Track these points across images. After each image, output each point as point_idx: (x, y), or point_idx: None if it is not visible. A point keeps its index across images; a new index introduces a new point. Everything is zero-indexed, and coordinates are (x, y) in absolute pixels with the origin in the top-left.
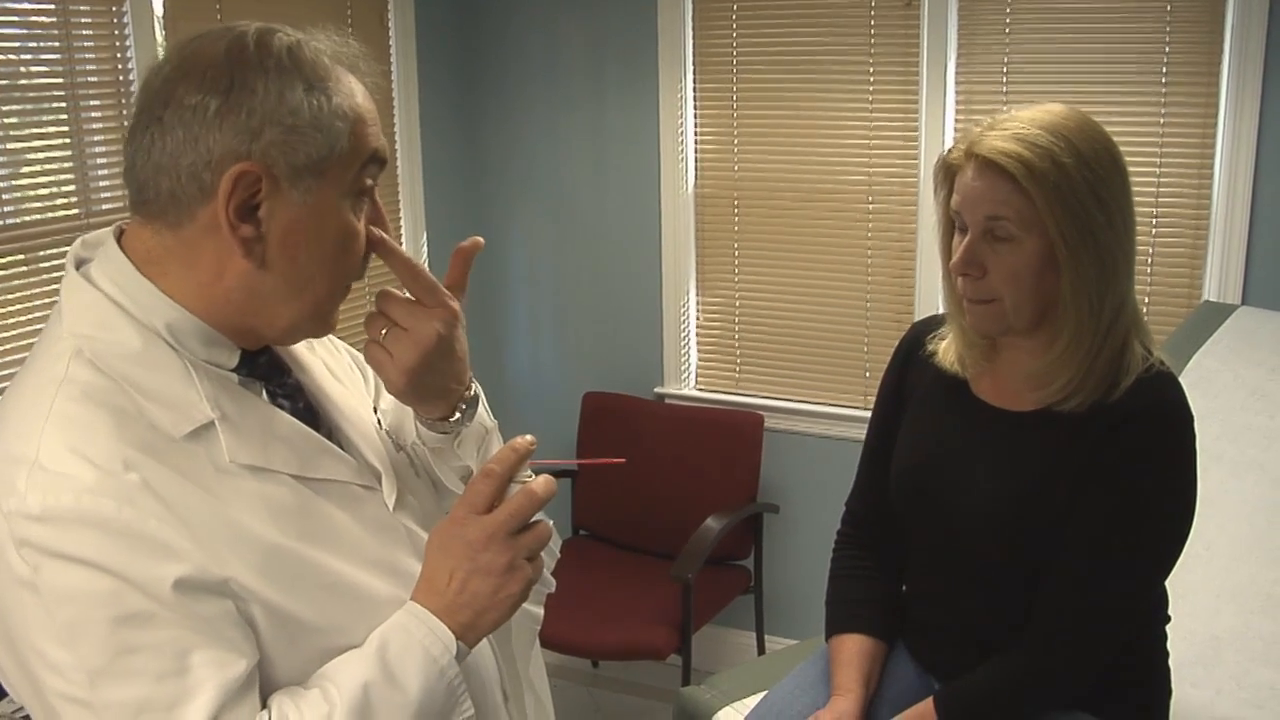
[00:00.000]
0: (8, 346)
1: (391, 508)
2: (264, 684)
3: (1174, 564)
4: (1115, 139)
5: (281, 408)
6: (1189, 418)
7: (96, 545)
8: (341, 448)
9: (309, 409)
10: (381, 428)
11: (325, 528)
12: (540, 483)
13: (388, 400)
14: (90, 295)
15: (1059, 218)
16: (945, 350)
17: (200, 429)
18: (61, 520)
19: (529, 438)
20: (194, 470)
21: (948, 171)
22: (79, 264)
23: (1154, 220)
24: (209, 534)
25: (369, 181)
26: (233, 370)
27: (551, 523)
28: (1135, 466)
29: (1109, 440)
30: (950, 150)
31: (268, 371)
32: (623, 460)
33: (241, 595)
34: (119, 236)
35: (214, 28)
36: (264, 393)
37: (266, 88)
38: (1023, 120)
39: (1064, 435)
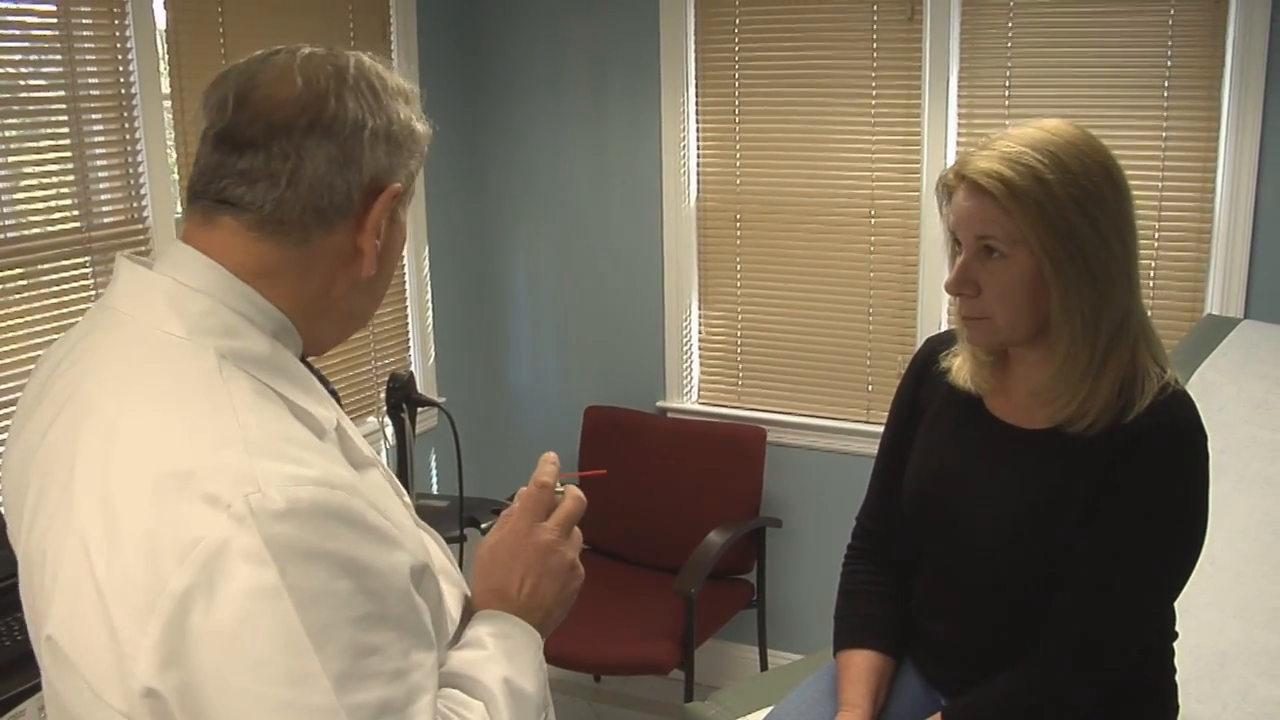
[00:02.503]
0: (7, 360)
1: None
2: None
3: (1184, 583)
4: (1117, 153)
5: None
6: (1203, 437)
7: (342, 539)
8: None
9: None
10: None
11: (408, 522)
12: (577, 489)
13: None
14: (206, 301)
15: (1042, 235)
16: (959, 368)
17: (334, 429)
18: (306, 514)
19: (554, 454)
20: (346, 466)
21: (945, 191)
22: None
23: (1156, 234)
24: (396, 525)
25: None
26: None
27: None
28: (1148, 486)
29: (1122, 459)
30: (946, 171)
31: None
32: (604, 472)
33: (431, 583)
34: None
35: (283, 53)
36: None
37: (394, 108)
38: (1012, 139)
39: (1077, 453)
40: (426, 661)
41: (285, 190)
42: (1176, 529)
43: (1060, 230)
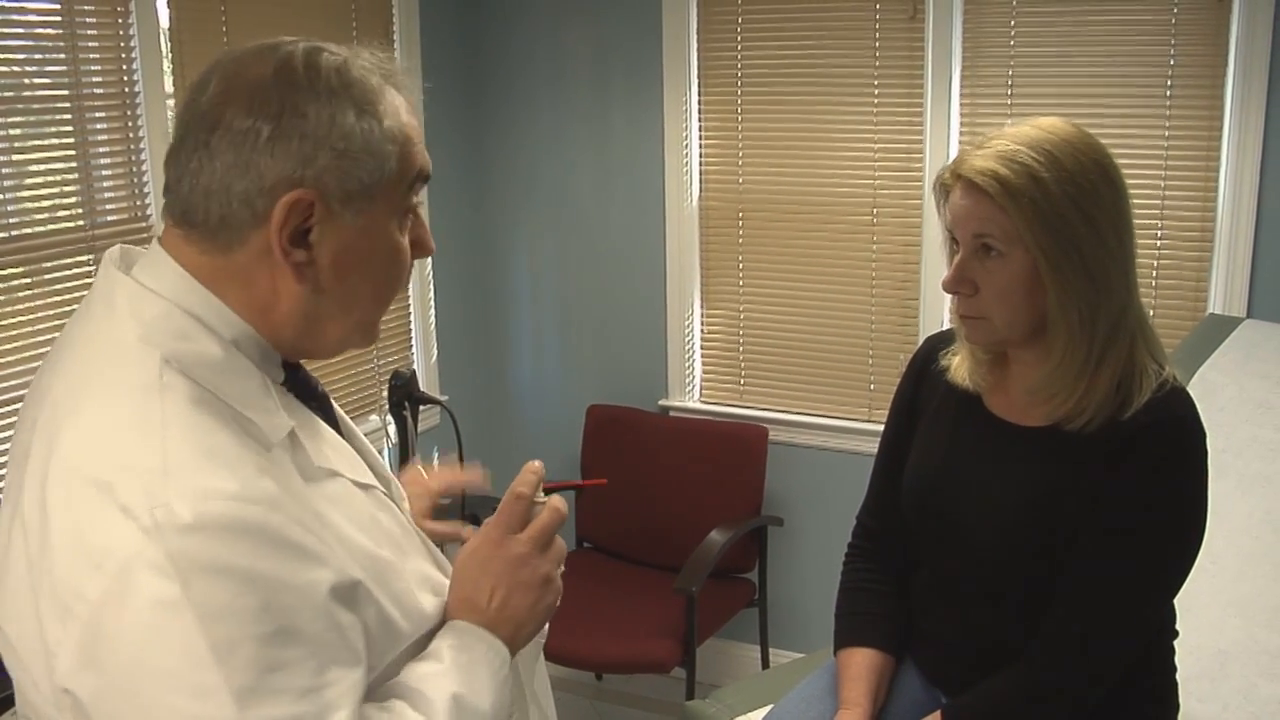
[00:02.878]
0: (11, 359)
1: (404, 511)
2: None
3: (1183, 581)
4: (1120, 152)
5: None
6: (1201, 434)
7: (251, 555)
8: (359, 455)
9: (331, 420)
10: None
11: (382, 531)
12: (560, 500)
13: None
14: (160, 304)
15: (1037, 233)
16: (958, 366)
17: (286, 437)
18: (213, 529)
19: (539, 462)
20: (292, 477)
21: (943, 190)
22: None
23: (1159, 233)
24: (329, 539)
25: (415, 199)
26: (280, 384)
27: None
28: (1146, 484)
29: (1120, 456)
30: (943, 170)
31: (303, 384)
32: (604, 482)
33: (364, 600)
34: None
35: (259, 44)
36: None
37: (318, 112)
38: (1008, 138)
39: (1076, 451)
40: (345, 679)
41: (191, 195)
42: (1175, 526)
43: (1056, 228)
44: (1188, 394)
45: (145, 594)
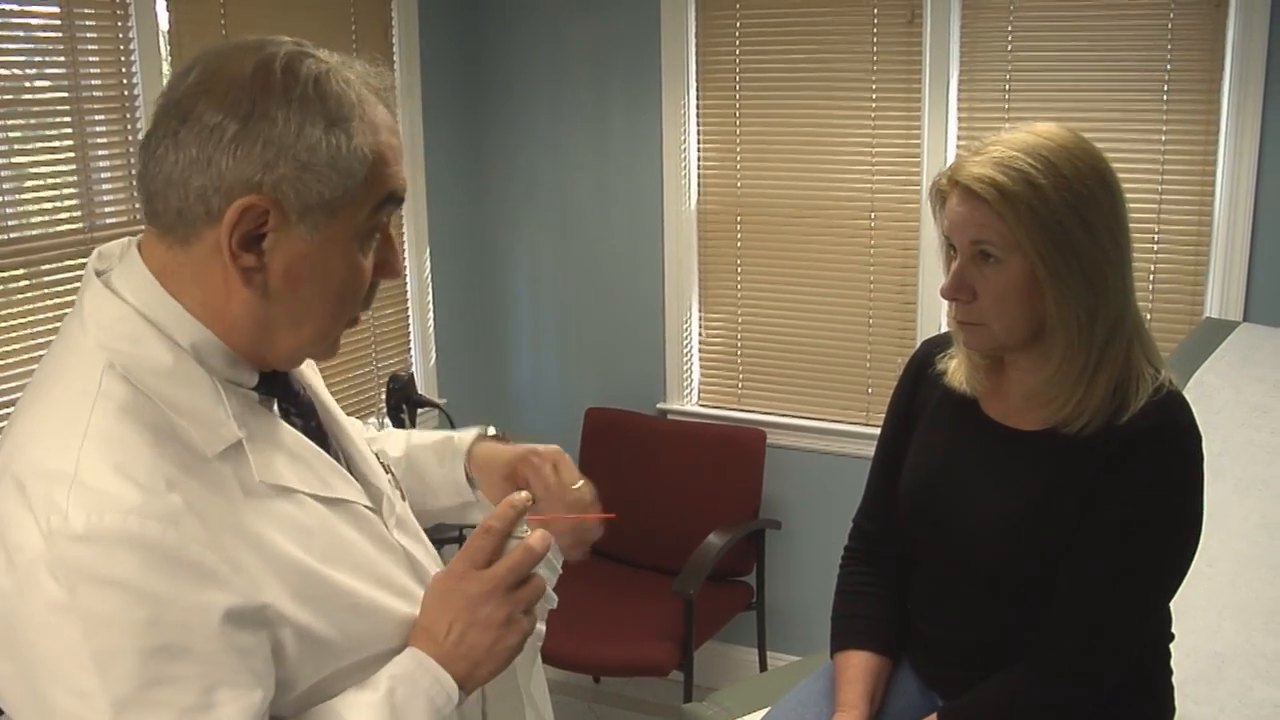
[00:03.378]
0: (9, 360)
1: (391, 527)
2: (281, 704)
3: (1179, 584)
4: (1116, 156)
5: (294, 425)
6: (1196, 438)
7: (141, 570)
8: (348, 468)
9: (320, 429)
10: (374, 449)
11: (342, 548)
12: (537, 538)
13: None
14: (118, 308)
15: (1036, 239)
16: (955, 370)
17: (229, 449)
18: (105, 541)
19: (524, 494)
20: (225, 490)
21: (940, 197)
22: (97, 274)
23: (1155, 237)
24: (245, 557)
25: (384, 220)
26: (252, 389)
27: (553, 540)
28: (1143, 487)
29: (1117, 460)
30: (939, 177)
31: (283, 390)
32: (614, 516)
33: (275, 620)
34: (139, 248)
35: (247, 40)
36: (276, 408)
37: (287, 119)
38: (1004, 144)
39: (1072, 455)
40: (237, 701)
41: (153, 184)
42: (1172, 529)
43: (1054, 234)
44: (1184, 398)
45: (40, 594)
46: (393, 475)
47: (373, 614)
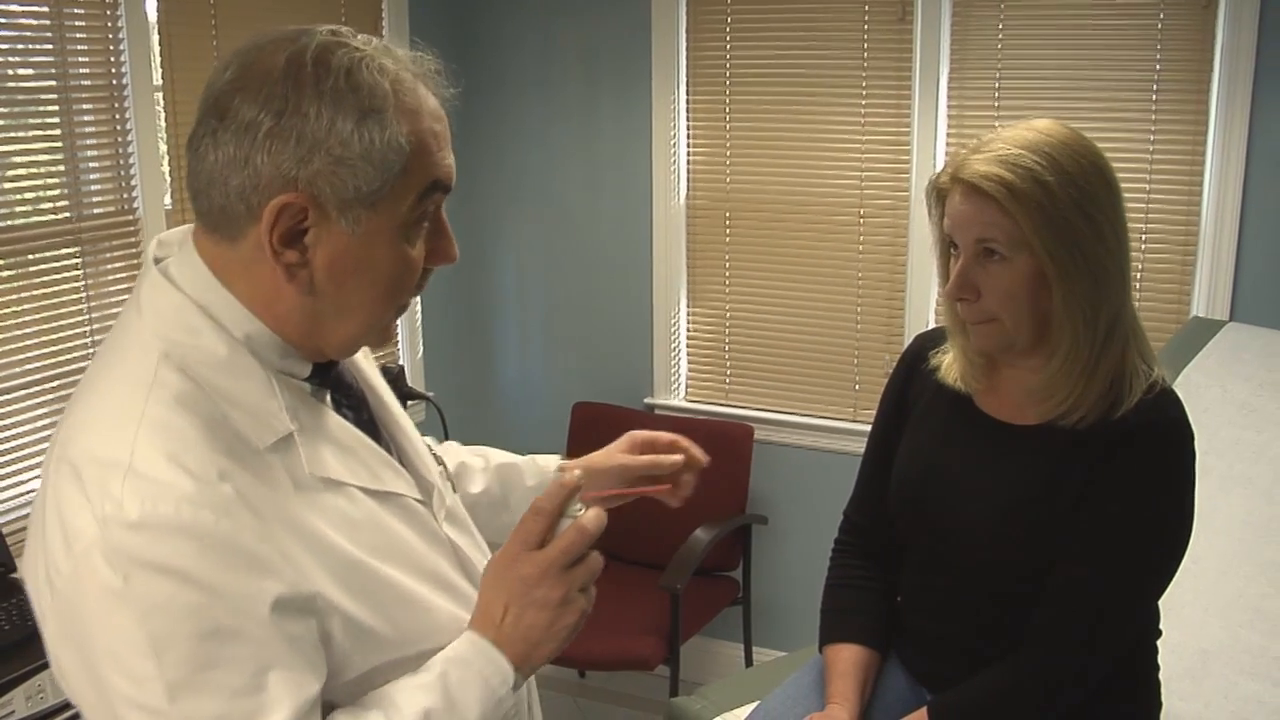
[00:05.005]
0: None
1: (440, 520)
2: (331, 689)
3: (1170, 580)
4: (1105, 154)
5: (346, 418)
6: (1189, 436)
7: (194, 557)
8: (399, 461)
9: (371, 421)
10: (425, 440)
11: (391, 541)
12: (591, 517)
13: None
14: (174, 298)
15: (1044, 237)
16: (948, 367)
17: (280, 440)
18: (159, 529)
19: (577, 472)
20: (275, 482)
21: (938, 195)
22: (156, 262)
23: (1143, 236)
24: (294, 547)
25: (430, 207)
26: (305, 380)
27: (605, 519)
28: (1136, 483)
29: (1111, 456)
30: (938, 174)
31: (336, 382)
32: (668, 487)
33: (324, 610)
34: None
35: (284, 31)
36: (329, 400)
37: (319, 113)
38: (1006, 141)
39: (1066, 450)
40: (288, 683)
41: (197, 181)
42: (1163, 526)
43: (1062, 231)
44: (1177, 395)
45: (96, 581)
46: (444, 467)
47: (419, 608)
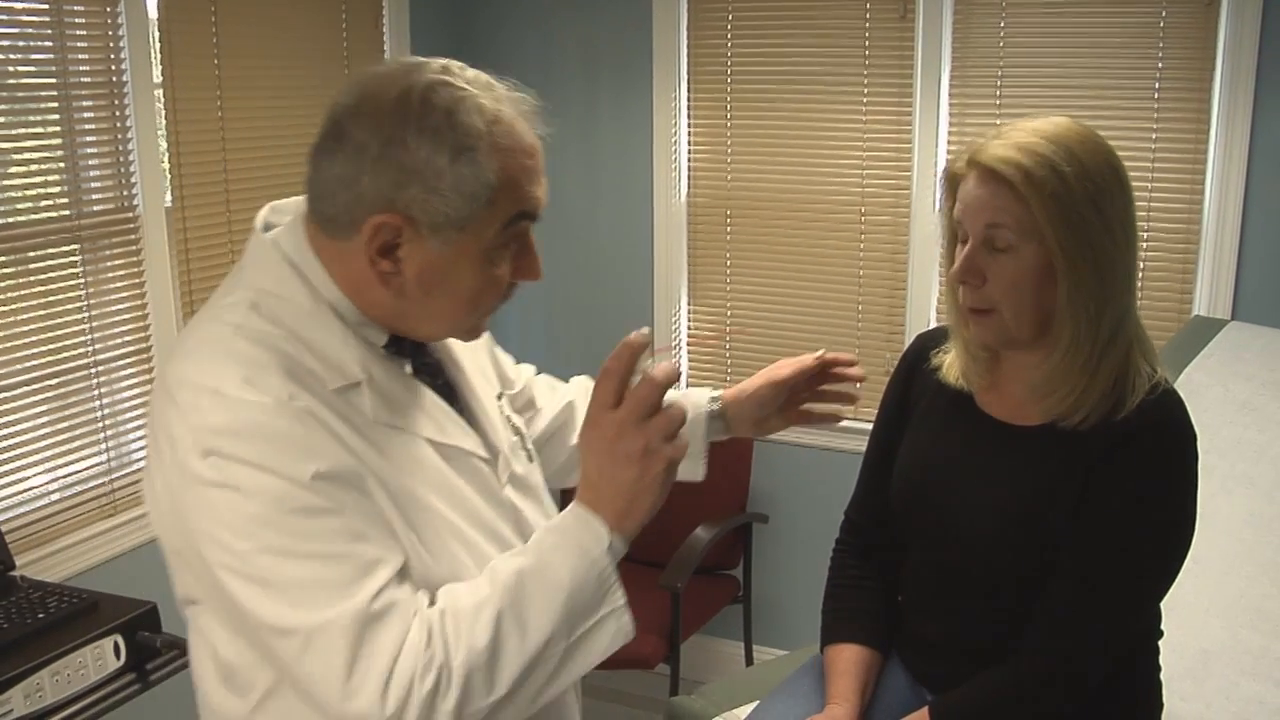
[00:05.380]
0: None
1: (503, 483)
2: None
3: (1172, 581)
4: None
5: (422, 383)
6: (1191, 437)
7: (275, 453)
8: (470, 424)
9: (447, 386)
10: (503, 411)
11: (449, 487)
12: (660, 369)
13: (546, 400)
14: (275, 257)
15: (1056, 226)
16: (950, 365)
17: (349, 387)
18: (244, 433)
19: (644, 330)
20: (343, 418)
21: (951, 181)
22: (266, 227)
23: (1145, 234)
24: (361, 466)
25: (517, 231)
26: (383, 347)
27: (688, 410)
28: (1138, 484)
29: (1111, 457)
30: (954, 160)
31: (414, 350)
32: (723, 333)
33: (394, 520)
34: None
35: (401, 63)
36: (408, 368)
37: (419, 146)
38: (1026, 130)
39: (1068, 451)
40: (380, 548)
41: (314, 187)
42: (1164, 526)
43: (1074, 224)
44: (1179, 396)
45: (195, 475)
46: (521, 436)
47: (468, 549)
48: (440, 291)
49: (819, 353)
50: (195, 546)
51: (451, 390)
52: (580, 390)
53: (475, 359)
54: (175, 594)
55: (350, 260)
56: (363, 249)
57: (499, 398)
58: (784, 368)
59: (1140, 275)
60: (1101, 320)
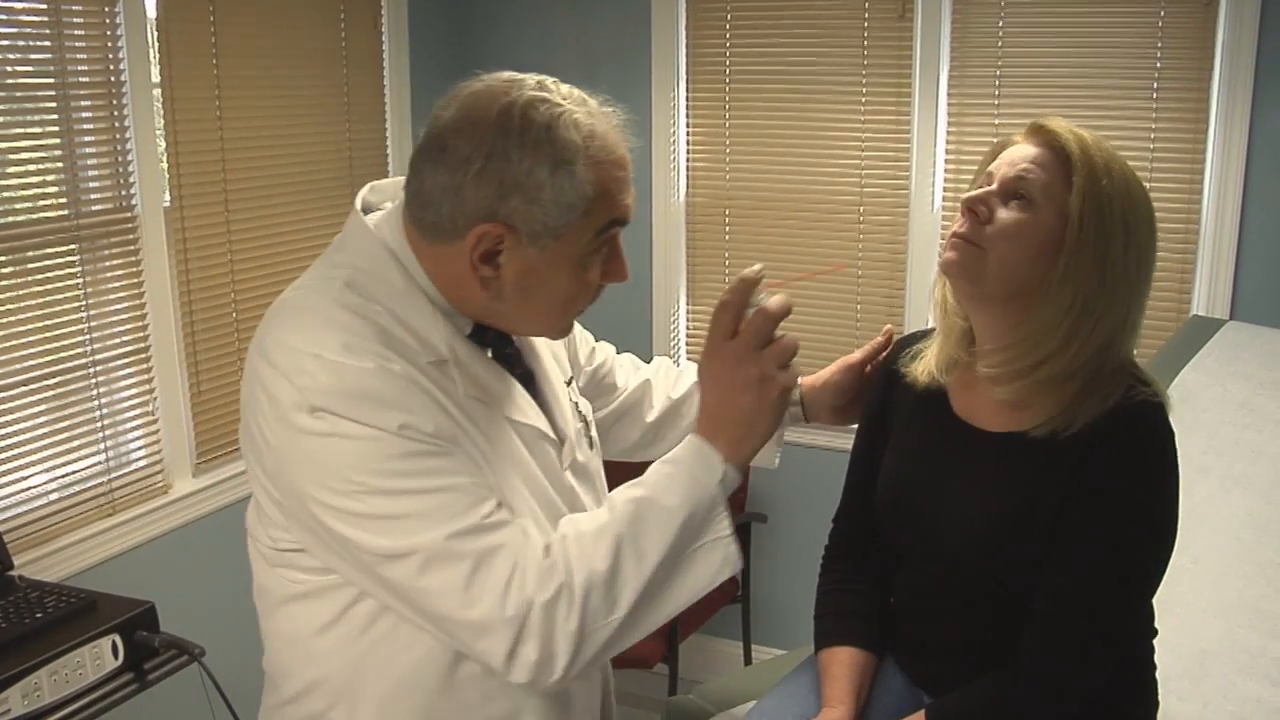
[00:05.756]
0: None
1: (564, 466)
2: None
3: (1160, 582)
4: None
5: (502, 368)
6: (1170, 436)
7: (379, 409)
8: (543, 409)
9: (526, 374)
10: (571, 398)
11: (523, 463)
12: (774, 301)
13: (625, 380)
14: (374, 242)
15: (1086, 200)
16: (923, 366)
17: (439, 362)
18: (348, 393)
19: (758, 266)
20: (439, 385)
21: (998, 147)
22: (365, 208)
23: None
24: (456, 425)
25: (608, 236)
26: (467, 336)
27: (799, 338)
28: (1114, 488)
29: (1088, 461)
30: (1010, 135)
31: (495, 340)
32: (845, 266)
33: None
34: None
35: (499, 80)
36: (489, 354)
37: (520, 159)
38: (1089, 132)
39: (1046, 458)
40: (482, 489)
41: (416, 194)
42: (1145, 528)
43: (1104, 214)
44: (1159, 402)
45: (302, 429)
46: (586, 424)
47: (538, 525)
48: (536, 295)
49: (885, 328)
50: (300, 492)
51: (529, 378)
52: (660, 370)
53: (551, 345)
54: (256, 535)
55: (447, 262)
56: (463, 254)
57: (568, 383)
58: (856, 353)
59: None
60: (1079, 326)
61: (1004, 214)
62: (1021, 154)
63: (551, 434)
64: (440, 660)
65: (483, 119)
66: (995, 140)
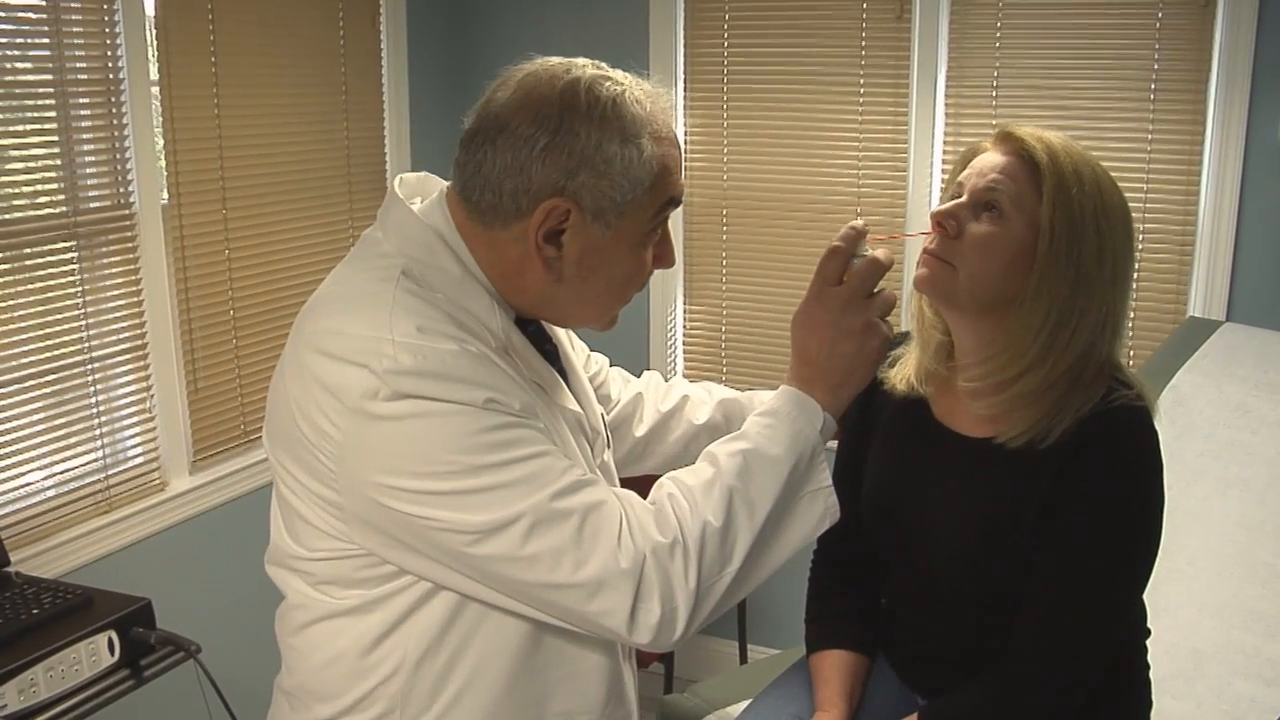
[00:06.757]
0: None
1: (596, 460)
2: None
3: (1146, 583)
4: (1102, 154)
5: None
6: (1153, 437)
7: (462, 387)
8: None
9: (561, 372)
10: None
11: (574, 449)
12: (882, 252)
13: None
14: (421, 226)
15: (1057, 208)
16: (900, 370)
17: (501, 347)
18: (431, 373)
19: (861, 221)
20: (510, 366)
21: (968, 155)
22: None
23: (1140, 236)
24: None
25: (664, 219)
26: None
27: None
28: (1097, 491)
29: (1071, 465)
30: (980, 142)
31: (535, 335)
32: (942, 230)
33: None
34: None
35: (555, 63)
36: (532, 344)
37: (588, 135)
38: (1060, 135)
39: (1028, 463)
40: (562, 458)
41: (471, 179)
42: (1131, 530)
43: (1074, 221)
44: (1142, 406)
45: (382, 416)
46: (604, 425)
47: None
48: (596, 276)
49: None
50: (369, 484)
51: (565, 376)
52: (649, 384)
53: (576, 354)
54: (285, 538)
55: (502, 248)
56: (523, 236)
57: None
58: None
59: (1136, 276)
60: (1056, 337)
61: (974, 228)
62: (990, 163)
63: (589, 427)
64: (514, 650)
65: (546, 97)
66: (972, 147)
